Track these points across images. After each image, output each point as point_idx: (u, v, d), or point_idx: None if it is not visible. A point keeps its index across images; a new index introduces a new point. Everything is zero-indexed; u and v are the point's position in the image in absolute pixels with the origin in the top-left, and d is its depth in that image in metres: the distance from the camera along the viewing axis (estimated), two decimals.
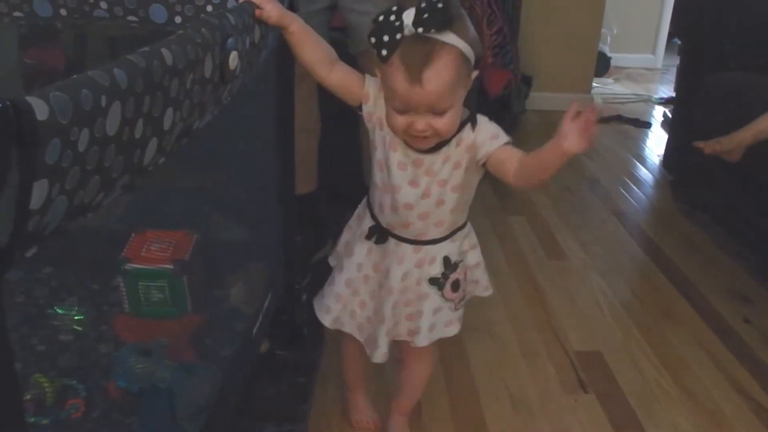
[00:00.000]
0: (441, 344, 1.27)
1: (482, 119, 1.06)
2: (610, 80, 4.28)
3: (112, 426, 1.15)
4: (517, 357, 1.66)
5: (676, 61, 2.94)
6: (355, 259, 1.18)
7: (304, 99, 1.59)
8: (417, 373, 1.31)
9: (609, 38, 4.31)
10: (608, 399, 1.52)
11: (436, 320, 1.16)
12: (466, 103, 1.03)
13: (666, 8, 4.40)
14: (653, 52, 4.68)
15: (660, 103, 3.86)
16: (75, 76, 0.55)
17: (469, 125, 1.04)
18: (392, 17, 0.93)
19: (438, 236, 1.13)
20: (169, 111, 0.70)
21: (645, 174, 2.88)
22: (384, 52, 0.93)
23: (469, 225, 1.18)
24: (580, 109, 0.90)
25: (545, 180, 1.00)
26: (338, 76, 1.10)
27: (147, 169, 0.69)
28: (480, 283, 1.23)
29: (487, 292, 1.25)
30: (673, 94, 3.21)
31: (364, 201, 1.20)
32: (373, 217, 1.16)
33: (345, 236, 1.23)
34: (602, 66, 4.09)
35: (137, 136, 0.64)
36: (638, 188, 2.73)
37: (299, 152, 1.45)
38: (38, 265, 1.52)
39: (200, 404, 1.12)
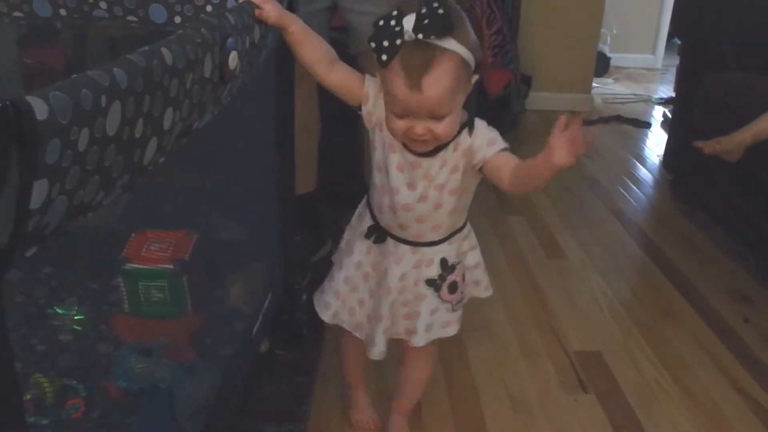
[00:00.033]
0: (441, 344, 1.27)
1: (480, 124, 1.06)
2: (609, 80, 4.28)
3: (112, 426, 1.15)
4: (516, 357, 1.66)
5: (675, 61, 2.94)
6: (354, 258, 1.19)
7: (304, 99, 1.59)
8: (417, 373, 1.31)
9: (609, 38, 4.32)
10: (608, 399, 1.52)
11: (433, 321, 1.17)
12: (466, 104, 1.03)
13: (666, 8, 4.40)
14: (653, 52, 4.68)
15: (660, 103, 3.86)
16: (75, 75, 0.55)
17: (466, 130, 1.04)
18: (392, 22, 0.92)
19: (436, 238, 1.13)
20: (169, 111, 0.70)
21: (645, 174, 2.88)
22: (384, 57, 0.93)
23: (468, 226, 1.18)
24: (568, 121, 0.89)
25: (539, 188, 1.01)
26: (338, 76, 1.10)
27: (147, 169, 0.69)
28: (480, 283, 1.23)
29: (487, 293, 1.25)
30: (673, 94, 3.22)
31: (365, 200, 1.20)
32: (373, 216, 1.16)
33: (347, 235, 1.23)
34: (602, 66, 4.09)
35: (137, 135, 0.64)
36: (638, 188, 2.73)
37: (299, 152, 1.45)
38: (38, 265, 1.52)
39: (200, 404, 1.12)
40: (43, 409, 1.16)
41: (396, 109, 0.98)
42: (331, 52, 1.11)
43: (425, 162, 1.05)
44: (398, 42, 0.92)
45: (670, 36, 4.55)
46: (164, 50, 0.69)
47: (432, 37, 0.91)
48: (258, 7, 1.00)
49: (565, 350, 1.69)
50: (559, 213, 2.43)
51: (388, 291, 1.15)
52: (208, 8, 1.24)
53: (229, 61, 0.87)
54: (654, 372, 1.62)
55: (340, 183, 1.92)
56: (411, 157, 1.06)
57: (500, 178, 1.03)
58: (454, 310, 1.18)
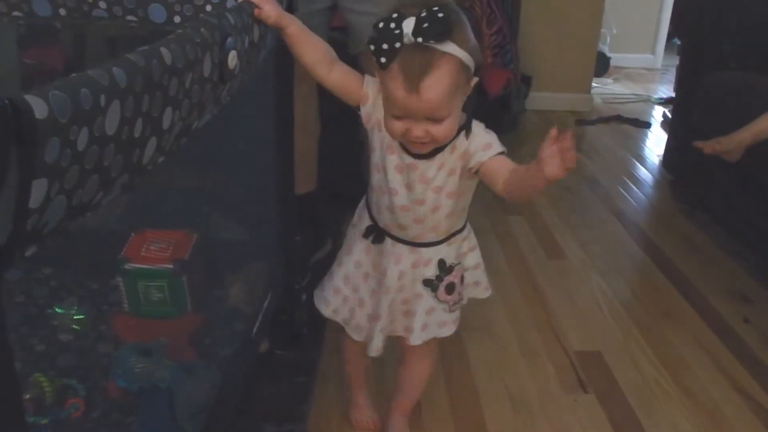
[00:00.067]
0: (441, 344, 1.27)
1: (478, 127, 1.05)
2: (609, 80, 4.28)
3: (111, 426, 1.15)
4: (516, 357, 1.65)
5: (675, 61, 2.94)
6: (353, 257, 1.19)
7: (303, 98, 1.59)
8: (417, 373, 1.31)
9: (608, 38, 4.32)
10: (608, 399, 1.52)
11: (429, 320, 1.17)
12: (465, 106, 1.02)
13: (665, 8, 4.40)
14: (653, 52, 4.68)
15: (659, 103, 3.86)
16: (74, 74, 0.55)
17: (463, 132, 1.04)
18: (392, 25, 0.92)
19: (435, 239, 1.13)
20: (168, 110, 0.70)
21: (644, 174, 2.88)
22: (383, 60, 0.93)
23: (468, 227, 1.18)
24: (559, 133, 0.89)
25: (533, 196, 1.01)
26: (337, 77, 1.09)
27: (146, 169, 0.69)
28: (480, 284, 1.23)
29: (487, 293, 1.25)
30: (673, 94, 3.22)
31: (363, 200, 1.20)
32: (371, 217, 1.16)
33: (349, 233, 1.23)
34: (602, 66, 4.09)
35: (136, 135, 0.64)
36: (638, 188, 2.73)
37: (299, 152, 1.45)
38: (38, 265, 1.52)
39: (200, 404, 1.12)
40: (42, 409, 1.16)
41: (394, 111, 0.98)
42: (331, 52, 1.11)
43: (421, 164, 1.05)
44: (397, 45, 0.92)
45: (670, 36, 4.55)
46: (163, 50, 0.69)
47: (431, 40, 0.91)
48: (257, 6, 1.00)
49: (565, 350, 1.69)
50: (559, 213, 2.43)
51: (387, 290, 1.15)
52: (208, 8, 1.24)
53: (229, 61, 0.87)
54: (654, 372, 1.62)
55: (340, 183, 1.92)
56: (408, 159, 1.06)
57: (495, 182, 1.03)
58: (451, 310, 1.18)
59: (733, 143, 1.74)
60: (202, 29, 0.80)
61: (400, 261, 1.14)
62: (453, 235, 1.14)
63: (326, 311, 1.23)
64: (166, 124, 0.71)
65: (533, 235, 2.27)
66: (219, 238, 1.56)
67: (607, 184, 2.73)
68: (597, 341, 1.73)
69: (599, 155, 3.05)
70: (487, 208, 2.30)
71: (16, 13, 1.27)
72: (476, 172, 1.05)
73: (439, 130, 0.98)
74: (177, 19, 1.25)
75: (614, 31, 4.35)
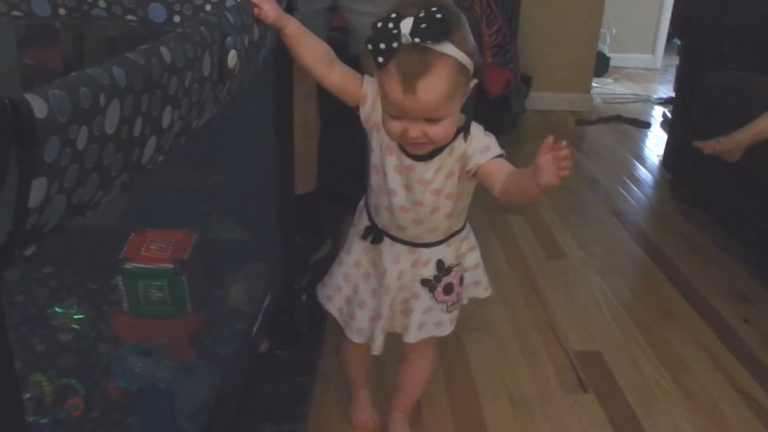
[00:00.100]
0: (441, 344, 1.26)
1: (477, 129, 1.05)
2: (609, 80, 4.28)
3: (111, 425, 1.15)
4: (516, 357, 1.65)
5: (675, 61, 2.94)
6: (352, 256, 1.20)
7: (303, 98, 1.59)
8: (417, 371, 1.30)
9: (608, 38, 4.32)
10: (608, 399, 1.52)
11: (426, 319, 1.17)
12: (464, 108, 1.02)
13: (665, 8, 4.41)
14: (652, 52, 4.68)
15: (659, 103, 3.86)
16: (73, 73, 0.55)
17: (462, 135, 1.04)
18: (390, 25, 0.91)
19: (434, 240, 1.13)
20: (168, 109, 0.70)
21: (644, 174, 2.88)
22: (380, 60, 0.93)
23: (468, 227, 1.18)
24: (555, 141, 0.89)
25: (529, 202, 1.01)
26: (337, 77, 1.09)
27: (146, 168, 0.69)
28: (480, 283, 1.23)
29: (487, 293, 1.25)
30: (673, 94, 3.22)
31: (362, 201, 1.20)
32: (370, 217, 1.16)
33: (350, 233, 1.24)
34: (601, 66, 4.10)
35: (136, 134, 0.64)
36: (638, 188, 2.73)
37: (299, 152, 1.45)
38: (38, 265, 1.52)
39: (200, 404, 1.12)
40: (42, 409, 1.16)
41: (392, 111, 0.98)
42: (330, 52, 1.11)
43: (420, 166, 1.05)
44: (395, 45, 0.91)
45: (670, 36, 4.55)
46: (163, 49, 0.69)
47: (429, 41, 0.91)
48: (256, 6, 1.00)
49: (565, 350, 1.69)
50: (558, 213, 2.43)
51: (387, 290, 1.15)
52: (207, 7, 1.24)
53: (228, 60, 0.87)
54: (654, 372, 1.62)
55: (340, 183, 1.91)
56: (407, 161, 1.06)
57: (492, 185, 1.03)
58: (448, 311, 1.18)
59: (733, 143, 1.74)
60: (202, 28, 0.80)
61: (399, 260, 1.14)
62: (452, 235, 1.14)
63: (332, 309, 1.24)
64: (165, 123, 0.71)
65: (533, 234, 2.27)
66: (219, 238, 1.56)
67: (607, 184, 2.73)
68: (597, 341, 1.73)
69: (599, 155, 3.05)
70: (486, 207, 2.30)
71: (15, 13, 1.27)
72: (474, 175, 1.05)
73: (436, 131, 0.97)
74: (177, 18, 1.25)
75: (614, 31, 4.35)
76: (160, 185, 1.32)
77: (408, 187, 1.07)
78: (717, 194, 2.27)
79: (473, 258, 1.20)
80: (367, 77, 1.08)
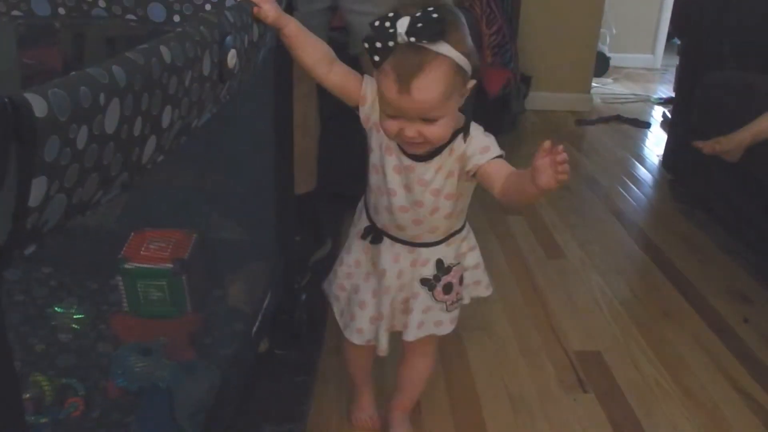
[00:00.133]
0: (441, 344, 1.26)
1: (476, 130, 1.05)
2: (609, 80, 4.28)
3: (111, 425, 1.15)
4: (516, 356, 1.65)
5: (675, 61, 2.95)
6: (353, 256, 1.20)
7: (303, 98, 1.59)
8: (417, 370, 1.30)
9: (608, 38, 4.32)
10: (607, 398, 1.52)
11: (425, 318, 1.17)
12: (465, 106, 1.02)
13: (665, 8, 4.41)
14: (652, 52, 4.69)
15: (659, 103, 3.86)
16: (73, 73, 0.55)
17: (461, 135, 1.04)
18: (387, 24, 0.92)
19: (433, 240, 1.13)
20: (168, 109, 0.70)
21: (644, 174, 2.88)
22: (376, 58, 0.93)
23: (467, 227, 1.18)
24: (552, 145, 0.88)
25: (529, 203, 1.01)
26: (337, 77, 1.09)
27: (146, 167, 0.69)
28: (481, 283, 1.23)
29: (488, 292, 1.25)
30: (673, 94, 3.22)
31: (362, 201, 1.20)
32: (369, 217, 1.16)
33: (350, 233, 1.24)
34: (601, 66, 4.10)
35: (136, 134, 0.64)
36: (637, 188, 2.73)
37: (299, 152, 1.45)
38: (37, 265, 1.52)
39: (199, 404, 1.12)
40: (42, 408, 1.16)
41: (388, 110, 0.98)
42: (330, 52, 1.11)
43: (419, 166, 1.05)
44: (391, 44, 0.91)
45: (670, 36, 4.56)
46: (163, 48, 0.69)
47: (424, 40, 0.91)
48: (256, 5, 1.00)
49: (565, 350, 1.69)
50: (558, 213, 2.43)
51: (387, 290, 1.15)
52: (207, 6, 1.24)
53: (228, 60, 0.87)
54: (654, 372, 1.62)
55: (340, 183, 1.91)
56: (407, 161, 1.06)
57: (492, 186, 1.03)
58: (448, 310, 1.18)
59: (732, 143, 1.75)
60: (202, 28, 0.80)
61: (399, 260, 1.14)
62: (452, 235, 1.14)
63: (336, 309, 1.24)
64: (165, 123, 0.71)
65: (533, 234, 2.27)
66: (219, 238, 1.56)
67: (606, 184, 2.73)
68: (597, 341, 1.73)
69: (599, 155, 3.05)
70: (486, 207, 2.30)
71: (15, 12, 1.27)
72: (474, 175, 1.05)
73: (432, 131, 0.97)
74: (176, 18, 1.25)
75: (614, 31, 4.35)
76: (160, 185, 1.32)
77: (408, 188, 1.07)
78: (717, 194, 2.27)
79: (473, 258, 1.20)
80: (367, 77, 1.08)
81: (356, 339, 1.21)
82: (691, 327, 1.81)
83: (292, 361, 1.52)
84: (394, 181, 1.08)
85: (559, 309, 1.86)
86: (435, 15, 0.90)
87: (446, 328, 1.19)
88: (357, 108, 1.09)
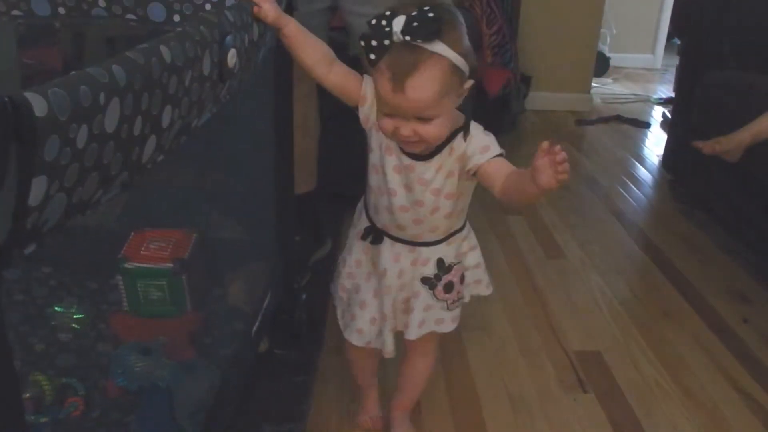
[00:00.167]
0: (441, 344, 1.26)
1: (476, 129, 1.05)
2: (609, 80, 4.28)
3: (111, 425, 1.15)
4: (516, 356, 1.65)
5: (675, 61, 2.95)
6: (353, 256, 1.20)
7: (303, 98, 1.59)
8: (418, 369, 1.30)
9: (608, 38, 4.32)
10: (607, 398, 1.52)
11: (426, 317, 1.17)
12: (464, 106, 1.02)
13: (665, 8, 4.41)
14: (652, 52, 4.69)
15: (659, 103, 3.86)
16: (73, 72, 0.55)
17: (461, 134, 1.04)
18: (383, 22, 0.92)
19: (434, 239, 1.13)
20: (168, 108, 0.70)
21: (644, 174, 2.88)
22: (372, 57, 0.93)
23: (468, 227, 1.18)
24: (551, 145, 0.88)
25: (529, 202, 1.01)
26: (336, 77, 1.09)
27: (146, 167, 0.69)
28: (482, 282, 1.23)
29: (488, 291, 1.25)
30: (672, 94, 3.22)
31: (361, 201, 1.20)
32: (369, 217, 1.16)
33: (350, 233, 1.24)
34: (601, 66, 4.10)
35: (136, 133, 0.64)
36: (637, 188, 2.73)
37: (299, 152, 1.45)
38: (37, 264, 1.52)
39: (199, 403, 1.12)
40: (42, 408, 1.16)
41: (384, 109, 0.98)
42: (330, 52, 1.10)
43: (419, 166, 1.05)
44: (386, 42, 0.92)
45: (670, 36, 4.56)
46: (163, 48, 0.69)
47: (419, 39, 0.91)
48: (256, 5, 1.00)
49: (565, 350, 1.69)
50: (558, 213, 2.43)
51: (388, 290, 1.15)
52: (207, 6, 1.24)
53: (228, 59, 0.87)
54: (654, 372, 1.62)
55: (340, 183, 1.91)
56: (406, 161, 1.06)
57: (492, 185, 1.03)
58: (449, 308, 1.18)
59: (732, 143, 1.75)
60: (202, 27, 0.80)
61: (399, 260, 1.14)
62: (452, 234, 1.14)
63: (339, 309, 1.24)
64: (165, 123, 0.71)
65: (533, 234, 2.27)
66: (219, 237, 1.56)
67: (606, 184, 2.73)
68: (596, 341, 1.73)
69: (599, 155, 3.06)
70: (486, 207, 2.30)
71: (15, 12, 1.27)
72: (474, 174, 1.05)
73: (428, 130, 0.97)
74: (176, 17, 1.25)
75: (614, 31, 4.35)
76: (160, 184, 1.32)
77: (408, 187, 1.07)
78: (717, 194, 2.27)
79: (474, 257, 1.20)
80: (366, 77, 1.08)
81: (356, 340, 1.20)
82: (690, 327, 1.81)
83: (291, 360, 1.52)
84: (395, 180, 1.08)
85: (558, 309, 1.86)
86: (431, 14, 0.90)
87: (447, 327, 1.19)
88: (357, 108, 1.09)
